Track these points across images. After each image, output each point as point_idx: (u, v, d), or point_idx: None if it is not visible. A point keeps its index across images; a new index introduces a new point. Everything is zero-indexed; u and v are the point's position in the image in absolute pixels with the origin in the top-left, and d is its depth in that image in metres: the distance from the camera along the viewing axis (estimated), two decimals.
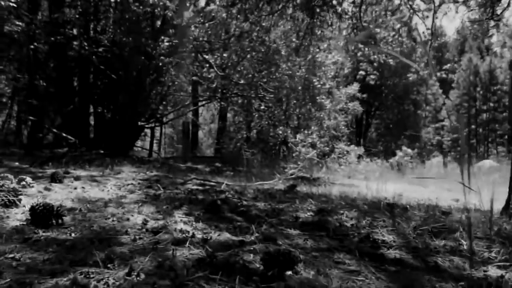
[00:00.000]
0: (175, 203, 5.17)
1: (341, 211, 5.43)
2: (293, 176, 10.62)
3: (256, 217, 4.59)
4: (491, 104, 51.38)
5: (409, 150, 22.56)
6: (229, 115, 22.67)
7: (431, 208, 6.86)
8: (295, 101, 15.42)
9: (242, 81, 15.73)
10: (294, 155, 17.36)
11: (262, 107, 15.54)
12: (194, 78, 17.78)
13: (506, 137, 50.91)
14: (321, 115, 15.45)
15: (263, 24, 11.46)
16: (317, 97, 14.35)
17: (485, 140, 52.94)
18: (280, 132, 16.00)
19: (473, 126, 52.05)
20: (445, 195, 11.96)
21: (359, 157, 18.86)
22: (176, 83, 17.40)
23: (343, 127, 16.83)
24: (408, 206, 6.45)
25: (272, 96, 15.18)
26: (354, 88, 16.85)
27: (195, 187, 7.62)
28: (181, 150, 18.28)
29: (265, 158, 15.27)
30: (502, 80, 50.69)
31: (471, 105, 51.95)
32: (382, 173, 18.34)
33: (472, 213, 6.96)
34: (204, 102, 17.73)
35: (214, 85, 15.60)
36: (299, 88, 14.31)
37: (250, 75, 15.03)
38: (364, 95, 26.54)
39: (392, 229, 4.14)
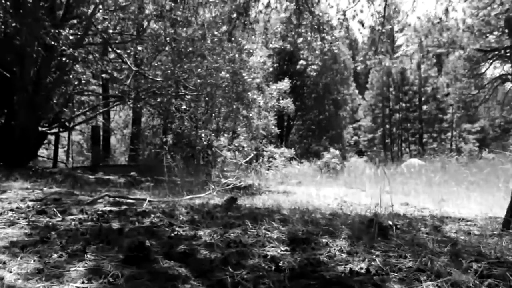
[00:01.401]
0: (74, 246, 3.24)
1: (323, 239, 3.84)
2: (229, 187, 8.91)
3: (210, 266, 2.83)
4: (403, 105, 52.63)
5: (337, 151, 21.62)
6: (145, 118, 20.50)
7: (417, 222, 5.48)
8: (220, 99, 13.64)
9: (159, 78, 13.75)
10: (219, 160, 15.63)
11: (183, 107, 13.63)
12: (104, 76, 15.49)
13: (418, 136, 52.42)
14: (250, 115, 13.77)
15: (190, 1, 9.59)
16: (249, 93, 12.61)
17: (398, 139, 54.18)
18: (203, 135, 14.16)
19: (387, 126, 53.08)
20: (387, 197, 10.83)
21: (291, 160, 17.52)
22: (83, 81, 15.01)
23: (273, 127, 15.19)
24: (390, 223, 4.92)
25: (194, 94, 13.32)
26: (285, 84, 15.05)
27: (107, 207, 5.67)
28: (91, 159, 15.89)
29: (187, 165, 13.38)
30: (412, 81, 52.08)
31: (385, 105, 52.93)
32: (314, 176, 17.14)
33: (461, 226, 5.69)
34: (116, 103, 15.49)
35: (127, 83, 13.49)
36: (225, 84, 12.57)
37: (169, 71, 13.07)
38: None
39: (446, 280, 2.52)
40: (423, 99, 51.59)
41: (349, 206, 8.88)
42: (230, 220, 5.04)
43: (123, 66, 15.27)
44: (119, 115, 28.20)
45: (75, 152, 32.00)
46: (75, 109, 16.82)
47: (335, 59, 35.63)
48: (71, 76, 14.31)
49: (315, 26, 8.45)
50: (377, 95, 52.54)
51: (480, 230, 5.20)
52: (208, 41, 11.27)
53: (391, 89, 52.47)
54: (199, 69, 12.65)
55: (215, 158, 15.26)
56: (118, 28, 14.11)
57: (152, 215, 5.01)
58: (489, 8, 29.42)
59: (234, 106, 13.55)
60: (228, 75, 12.72)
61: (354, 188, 13.94)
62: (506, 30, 32.36)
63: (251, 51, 12.89)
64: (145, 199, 6.38)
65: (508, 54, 35.71)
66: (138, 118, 21.78)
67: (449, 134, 52.47)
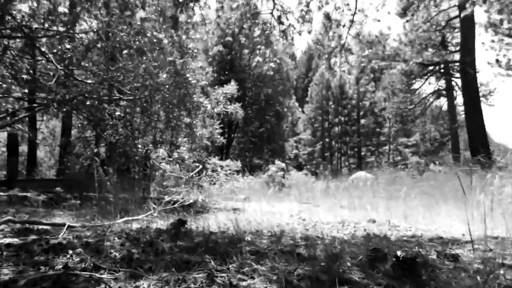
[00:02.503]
0: None
1: None
2: (173, 206, 7.33)
3: None
4: (342, 118, 52.83)
5: (282, 164, 20.55)
6: (77, 128, 18.39)
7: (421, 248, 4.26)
8: (159, 105, 11.99)
9: (89, 80, 11.99)
10: (157, 173, 13.98)
11: (117, 113, 11.89)
12: (25, 77, 13.48)
13: (356, 149, 52.67)
14: (194, 122, 12.16)
15: None
16: (193, 96, 10.96)
17: (338, 152, 54.27)
18: (140, 146, 12.46)
19: (326, 140, 53.01)
20: (346, 213, 9.80)
21: (236, 173, 16.07)
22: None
23: (218, 136, 13.58)
24: (406, 255, 3.65)
25: (130, 98, 11.65)
26: (232, 87, 13.31)
27: (7, 239, 4.05)
28: (6, 172, 13.71)
29: (122, 179, 11.71)
30: (351, 95, 52.41)
31: (324, 118, 52.89)
32: (260, 191, 15.86)
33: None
34: (38, 109, 13.45)
35: (51, 84, 11.63)
36: (166, 86, 10.96)
37: (102, 72, 11.35)
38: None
39: None
40: (361, 113, 51.98)
41: (313, 224, 7.70)
42: (183, 255, 3.60)
43: (49, 67, 13.39)
44: (46, 125, 25.70)
45: None
46: None
47: (278, 69, 34.67)
48: None
49: (276, 17, 7.20)
50: (317, 108, 52.45)
51: (504, 257, 4.09)
52: (149, 34, 9.66)
53: (330, 103, 52.55)
54: (136, 69, 10.99)
55: (153, 171, 13.64)
56: (44, 23, 12.24)
57: (70, 251, 3.46)
58: (428, 23, 29.66)
59: (175, 114, 11.96)
60: (167, 76, 11.10)
61: (307, 203, 12.80)
62: (441, 47, 32.84)
63: (195, 51, 11.38)
64: (64, 224, 4.77)
65: (442, 70, 36.35)
66: (68, 128, 19.63)
67: (386, 147, 53.09)
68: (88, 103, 11.21)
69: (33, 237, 4.19)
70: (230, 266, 3.16)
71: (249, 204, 11.59)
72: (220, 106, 12.65)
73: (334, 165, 51.78)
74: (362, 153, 52.15)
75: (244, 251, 3.86)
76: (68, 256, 3.31)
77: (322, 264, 3.36)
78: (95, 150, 13.38)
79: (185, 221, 5.31)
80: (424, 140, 51.55)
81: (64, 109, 11.63)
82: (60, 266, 2.98)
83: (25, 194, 9.52)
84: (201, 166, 14.15)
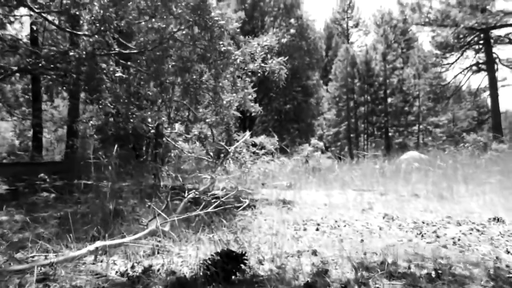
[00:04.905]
0: None
1: None
2: (208, 210, 4.09)
3: None
4: (368, 97, 49.45)
5: (320, 143, 17.41)
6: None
7: None
8: (174, 63, 8.67)
9: (82, 32, 8.73)
10: (173, 155, 10.77)
11: (119, 74, 8.65)
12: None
13: (384, 130, 49.35)
14: (220, 84, 8.71)
15: None
16: (221, 43, 7.43)
17: (364, 133, 51.07)
18: (150, 119, 9.20)
19: (352, 120, 49.74)
20: (436, 206, 6.85)
21: (272, 154, 12.68)
22: None
23: (252, 104, 10.05)
24: None
25: (134, 51, 8.43)
26: (270, 38, 9.52)
27: None
28: None
29: (125, 162, 8.60)
30: (378, 71, 48.92)
31: (349, 97, 49.48)
32: (296, 173, 12.70)
33: None
34: (9, 74, 10.08)
35: (20, 36, 8.45)
36: (183, 32, 7.66)
37: (98, 19, 8.06)
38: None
39: None
40: (388, 91, 48.49)
41: (430, 233, 4.78)
42: None
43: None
44: (52, 105, 22.62)
45: None
46: None
47: (303, 35, 30.66)
48: None
49: None
50: (341, 86, 49.00)
51: None
52: None
53: (356, 81, 49.07)
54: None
55: (166, 151, 10.54)
56: None
57: None
58: None
59: (195, 73, 8.65)
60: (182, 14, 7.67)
61: (367, 191, 9.72)
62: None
63: None
64: None
65: (482, 42, 32.84)
66: (75, 107, 16.64)
67: (415, 127, 49.69)
68: (72, 53, 8.01)
69: None
70: None
71: (298, 194, 8.50)
72: (257, 61, 9.11)
73: (360, 147, 48.49)
74: (390, 134, 48.73)
75: None
76: None
77: None
78: (90, 124, 10.19)
79: (243, 256, 2.11)
80: (450, 120, 48.09)
81: (40, 67, 8.41)
82: None
83: None
84: (233, 145, 10.82)
